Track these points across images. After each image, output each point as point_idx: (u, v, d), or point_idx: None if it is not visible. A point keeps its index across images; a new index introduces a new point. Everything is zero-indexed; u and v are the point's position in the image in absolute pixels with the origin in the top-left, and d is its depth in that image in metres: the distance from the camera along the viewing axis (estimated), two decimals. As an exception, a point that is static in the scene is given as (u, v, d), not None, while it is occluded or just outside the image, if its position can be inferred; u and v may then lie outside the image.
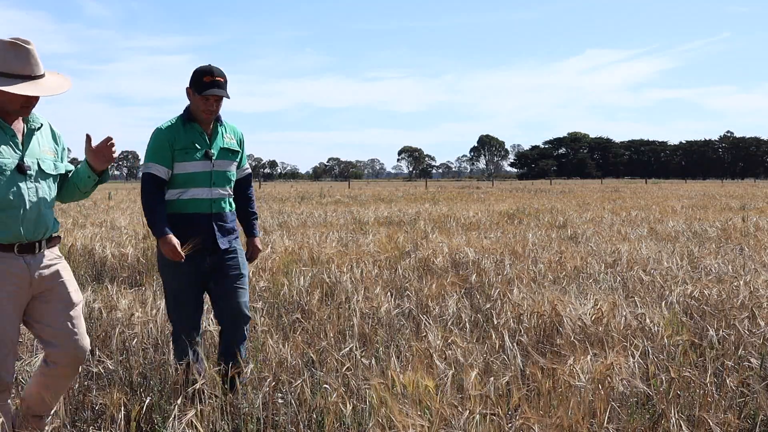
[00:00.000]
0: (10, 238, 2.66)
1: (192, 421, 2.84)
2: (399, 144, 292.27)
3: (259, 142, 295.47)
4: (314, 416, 3.10)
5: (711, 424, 2.65)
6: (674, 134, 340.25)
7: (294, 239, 8.20)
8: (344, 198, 23.42)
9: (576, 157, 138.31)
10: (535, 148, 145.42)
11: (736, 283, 4.58)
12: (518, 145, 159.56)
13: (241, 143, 3.69)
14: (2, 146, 2.68)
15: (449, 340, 3.41)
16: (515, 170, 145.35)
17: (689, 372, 3.08)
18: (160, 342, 3.95)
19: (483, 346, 3.62)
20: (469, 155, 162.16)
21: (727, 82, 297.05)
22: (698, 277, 5.39)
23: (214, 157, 3.49)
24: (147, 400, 3.11)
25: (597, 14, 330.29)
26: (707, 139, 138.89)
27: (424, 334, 3.71)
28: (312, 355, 3.72)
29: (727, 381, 3.11)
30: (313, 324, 4.22)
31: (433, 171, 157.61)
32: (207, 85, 3.39)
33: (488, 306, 4.45)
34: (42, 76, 2.69)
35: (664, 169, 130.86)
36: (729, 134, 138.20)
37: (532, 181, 70.28)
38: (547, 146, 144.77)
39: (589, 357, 2.91)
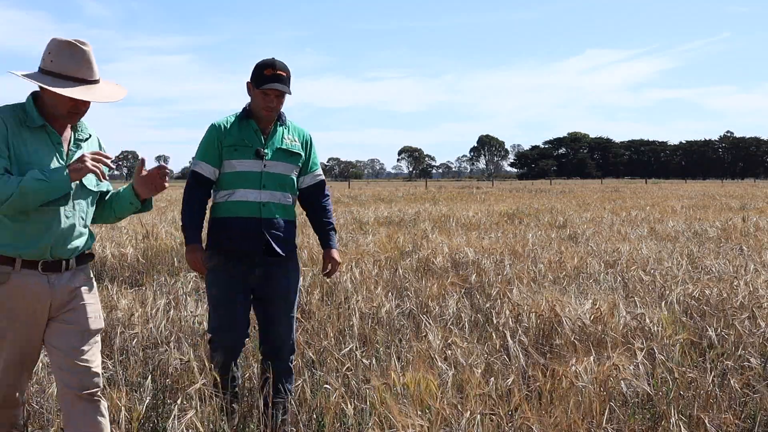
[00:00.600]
0: (36, 254, 2.41)
1: (192, 421, 2.84)
2: (399, 144, 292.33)
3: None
4: (314, 416, 3.10)
5: (711, 424, 2.65)
6: (674, 134, 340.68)
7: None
8: (344, 198, 23.43)
9: (576, 157, 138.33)
10: (535, 148, 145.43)
11: (736, 283, 4.58)
12: (518, 145, 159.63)
13: (306, 146, 3.32)
14: (45, 153, 2.43)
15: (449, 340, 3.41)
16: (515, 170, 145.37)
17: (690, 372, 3.08)
18: (159, 342, 3.95)
19: (483, 346, 3.62)
20: (469, 155, 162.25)
21: (727, 82, 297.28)
22: (698, 277, 5.39)
23: (266, 157, 3.17)
24: (147, 400, 3.10)
25: (597, 14, 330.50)
26: (707, 139, 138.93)
27: (425, 334, 3.71)
28: (312, 355, 3.72)
29: (728, 381, 3.11)
30: (313, 324, 4.22)
31: (433, 171, 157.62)
32: (267, 78, 3.11)
33: (488, 306, 4.45)
34: (96, 81, 2.48)
35: (664, 169, 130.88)
36: (729, 134, 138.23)
37: (532, 181, 70.29)
38: (547, 146, 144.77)
39: (591, 357, 2.91)
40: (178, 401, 3.15)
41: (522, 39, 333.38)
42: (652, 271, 5.63)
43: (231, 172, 3.15)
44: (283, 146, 3.22)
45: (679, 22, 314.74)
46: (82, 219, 2.53)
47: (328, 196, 3.44)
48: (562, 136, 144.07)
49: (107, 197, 2.68)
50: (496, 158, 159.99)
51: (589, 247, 7.53)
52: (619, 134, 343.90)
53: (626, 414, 2.88)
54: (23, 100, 2.47)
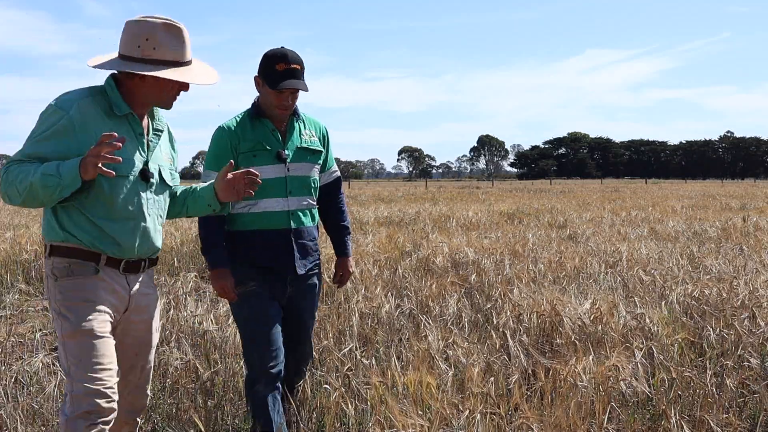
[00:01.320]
0: (121, 253, 2.22)
1: (192, 421, 2.84)
2: (399, 144, 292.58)
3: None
4: (314, 416, 3.10)
5: (711, 424, 2.65)
6: (674, 134, 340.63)
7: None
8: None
9: (576, 157, 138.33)
10: (535, 148, 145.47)
11: (736, 283, 4.58)
12: (518, 145, 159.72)
13: (324, 140, 3.00)
14: (128, 144, 2.22)
15: (449, 340, 3.41)
16: (515, 170, 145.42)
17: (689, 372, 3.08)
18: (159, 342, 3.95)
19: (483, 345, 3.62)
20: (469, 155, 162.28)
21: (727, 82, 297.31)
22: (698, 277, 5.39)
23: (289, 160, 2.83)
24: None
25: (597, 14, 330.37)
26: (707, 139, 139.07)
27: (424, 334, 3.71)
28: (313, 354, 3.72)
29: (727, 381, 3.11)
30: (313, 324, 4.22)
31: (433, 171, 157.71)
32: (281, 75, 2.72)
33: (488, 306, 4.45)
34: (190, 62, 2.27)
35: (664, 169, 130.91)
36: (729, 134, 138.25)
37: (532, 181, 70.29)
38: (547, 146, 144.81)
39: (591, 357, 2.91)
40: (178, 401, 3.15)
41: (522, 39, 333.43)
42: (652, 271, 5.62)
43: None
44: (304, 144, 2.89)
45: (679, 22, 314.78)
46: (161, 217, 2.37)
47: (343, 194, 3.15)
48: (562, 136, 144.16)
49: (180, 194, 2.49)
50: (496, 158, 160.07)
51: (589, 247, 7.53)
52: (619, 134, 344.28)
53: (627, 414, 2.88)
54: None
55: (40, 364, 3.44)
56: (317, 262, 2.98)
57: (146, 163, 2.27)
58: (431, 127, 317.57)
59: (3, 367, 3.67)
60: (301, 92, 2.83)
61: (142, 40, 2.17)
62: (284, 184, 2.82)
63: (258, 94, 2.87)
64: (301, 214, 2.87)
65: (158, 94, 2.24)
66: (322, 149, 2.97)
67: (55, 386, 3.20)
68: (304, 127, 2.93)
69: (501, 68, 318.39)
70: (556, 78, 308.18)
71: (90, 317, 2.14)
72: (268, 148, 2.81)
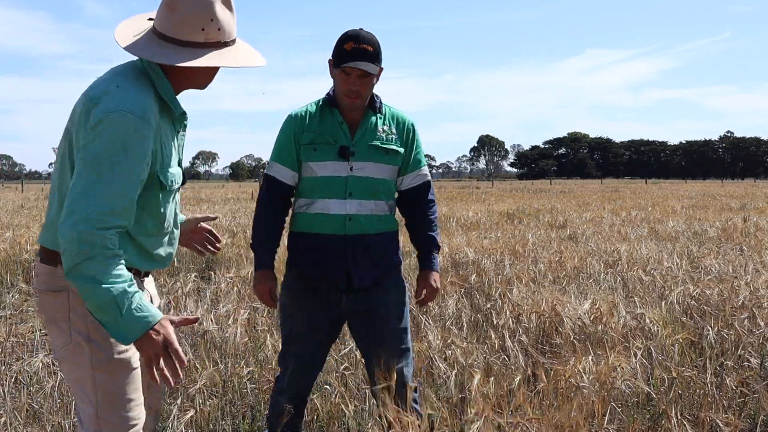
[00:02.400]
0: (153, 267, 1.98)
1: (192, 421, 2.84)
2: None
3: (260, 142, 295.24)
4: (314, 416, 3.10)
5: (711, 423, 2.65)
6: (674, 134, 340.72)
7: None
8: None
9: (576, 157, 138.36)
10: (535, 148, 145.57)
11: (736, 283, 4.58)
12: (518, 145, 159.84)
13: (408, 139, 2.61)
14: (174, 149, 1.91)
15: (449, 340, 3.41)
16: (515, 170, 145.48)
17: (689, 372, 3.08)
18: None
19: (483, 346, 3.61)
20: (469, 155, 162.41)
21: (727, 82, 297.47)
22: (698, 277, 5.39)
23: (353, 157, 2.50)
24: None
25: (597, 14, 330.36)
26: (707, 139, 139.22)
27: (424, 334, 3.71)
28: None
29: (727, 381, 3.11)
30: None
31: (433, 171, 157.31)
32: (347, 54, 2.41)
33: (488, 306, 4.45)
34: (235, 40, 1.92)
35: (664, 169, 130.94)
36: (729, 134, 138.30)
37: (532, 181, 70.27)
38: (547, 146, 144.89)
39: (590, 357, 2.91)
40: (178, 401, 3.15)
41: (522, 39, 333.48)
42: (652, 271, 5.62)
43: (310, 177, 2.52)
44: (376, 141, 2.53)
45: (679, 22, 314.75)
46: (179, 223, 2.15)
47: (433, 201, 2.71)
48: (562, 136, 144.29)
49: None
50: (496, 158, 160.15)
51: (589, 247, 7.53)
52: (619, 134, 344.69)
53: (628, 414, 2.88)
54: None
55: (40, 364, 3.43)
56: (392, 274, 2.63)
57: (179, 164, 1.98)
58: (431, 127, 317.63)
59: (3, 367, 3.67)
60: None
61: (206, 20, 1.81)
62: (344, 184, 2.49)
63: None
64: (363, 220, 2.51)
65: (207, 78, 1.94)
66: (401, 149, 2.58)
67: (54, 386, 3.20)
68: (383, 123, 2.57)
69: (501, 68, 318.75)
70: (556, 78, 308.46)
71: (123, 348, 1.84)
72: (331, 142, 2.50)
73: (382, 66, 2.50)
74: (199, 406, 3.05)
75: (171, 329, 1.71)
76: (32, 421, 3.05)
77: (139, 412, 1.91)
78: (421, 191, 2.66)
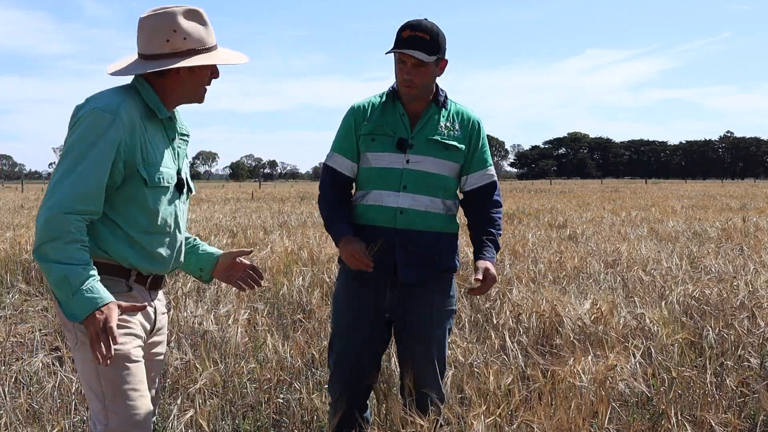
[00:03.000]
0: (153, 269, 2.04)
1: (192, 421, 2.84)
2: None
3: (260, 142, 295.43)
4: (315, 416, 3.10)
5: (711, 423, 2.65)
6: (674, 134, 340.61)
7: (294, 239, 8.19)
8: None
9: (576, 157, 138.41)
10: (535, 148, 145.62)
11: (735, 283, 4.58)
12: (518, 145, 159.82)
13: (471, 137, 2.54)
14: (166, 151, 2.04)
15: (449, 340, 3.41)
16: (515, 170, 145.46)
17: (689, 372, 3.08)
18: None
19: (483, 346, 3.62)
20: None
21: (727, 82, 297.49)
22: (698, 277, 5.39)
23: (410, 150, 2.46)
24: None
25: (597, 14, 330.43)
26: (707, 139, 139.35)
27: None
28: (314, 353, 3.72)
29: (727, 381, 3.11)
30: (313, 323, 4.22)
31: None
32: (402, 41, 2.37)
33: (488, 306, 4.45)
34: (216, 46, 2.09)
35: (664, 169, 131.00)
36: (729, 134, 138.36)
37: (532, 181, 70.28)
38: (547, 146, 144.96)
39: (590, 357, 2.91)
40: (178, 401, 3.15)
41: (522, 39, 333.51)
42: (652, 271, 5.63)
43: (366, 167, 2.50)
44: (436, 136, 2.48)
45: (679, 22, 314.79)
46: (185, 228, 2.19)
47: (498, 202, 2.61)
48: (562, 136, 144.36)
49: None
50: (496, 158, 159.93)
51: (589, 247, 7.53)
52: (619, 134, 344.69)
53: (627, 414, 2.88)
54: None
55: (40, 364, 3.44)
56: (442, 278, 2.54)
57: (178, 172, 2.08)
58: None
59: (3, 367, 3.67)
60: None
61: (170, 32, 1.98)
62: (399, 176, 2.45)
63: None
64: (414, 216, 2.45)
65: (194, 87, 2.06)
66: (462, 145, 2.51)
67: (54, 386, 3.20)
68: (446, 119, 2.52)
69: (501, 68, 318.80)
70: (556, 78, 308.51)
71: (125, 340, 1.94)
72: (390, 133, 2.47)
73: (446, 58, 2.47)
74: (199, 406, 3.05)
75: (115, 312, 1.81)
76: (32, 421, 3.05)
77: (144, 404, 1.96)
78: (486, 192, 2.57)
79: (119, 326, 1.87)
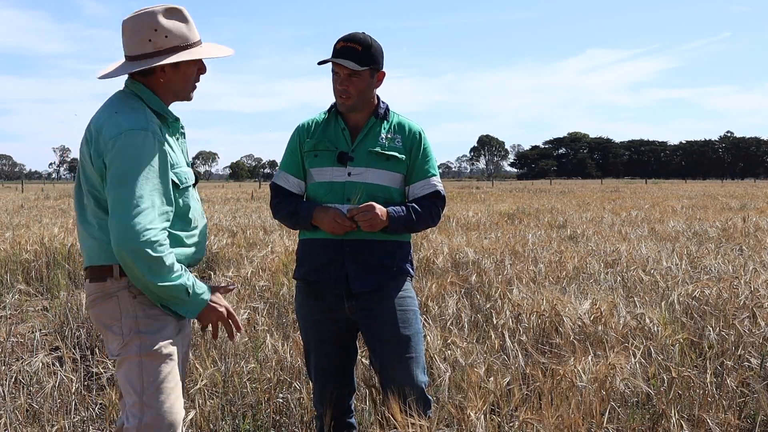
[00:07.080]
0: (198, 257, 2.19)
1: (192, 421, 2.84)
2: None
3: (259, 142, 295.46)
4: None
5: (711, 424, 2.65)
6: (674, 134, 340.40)
7: (294, 239, 8.20)
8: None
9: (576, 157, 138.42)
10: (535, 148, 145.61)
11: (736, 283, 4.58)
12: (518, 145, 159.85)
13: (413, 146, 2.56)
14: (179, 151, 2.16)
15: (449, 341, 3.41)
16: (515, 170, 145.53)
17: (689, 372, 3.08)
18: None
19: (483, 346, 3.62)
20: (469, 155, 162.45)
21: (727, 82, 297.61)
22: (698, 277, 5.39)
23: (351, 162, 2.50)
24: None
25: (597, 14, 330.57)
26: (707, 139, 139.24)
27: (424, 334, 3.71)
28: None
29: (727, 381, 3.11)
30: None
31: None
32: (334, 52, 2.45)
33: (488, 306, 4.45)
34: (200, 41, 2.14)
35: (664, 169, 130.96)
36: (729, 134, 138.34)
37: (532, 181, 70.29)
38: (547, 146, 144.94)
39: (590, 357, 2.91)
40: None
41: (522, 39, 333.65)
42: (652, 271, 5.62)
43: (312, 183, 2.56)
44: (377, 147, 2.51)
45: (679, 22, 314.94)
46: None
47: (440, 215, 2.63)
48: (562, 136, 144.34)
49: None
50: (496, 158, 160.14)
51: (589, 247, 7.53)
52: (619, 134, 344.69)
53: (627, 414, 2.88)
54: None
55: (40, 364, 3.44)
56: (398, 281, 2.56)
57: (189, 166, 2.21)
58: (431, 127, 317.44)
59: (3, 367, 3.67)
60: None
61: (151, 32, 2.02)
62: (341, 190, 2.50)
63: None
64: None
65: (182, 84, 2.11)
66: (402, 155, 2.54)
67: (54, 386, 3.20)
68: (387, 130, 2.55)
69: (501, 68, 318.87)
70: (556, 78, 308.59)
71: (168, 340, 2.05)
72: (331, 148, 2.52)
73: (383, 69, 2.52)
74: (200, 406, 3.05)
75: (218, 296, 2.14)
76: (32, 421, 3.05)
77: (178, 405, 2.05)
78: (430, 200, 2.57)
79: (165, 322, 2.05)
